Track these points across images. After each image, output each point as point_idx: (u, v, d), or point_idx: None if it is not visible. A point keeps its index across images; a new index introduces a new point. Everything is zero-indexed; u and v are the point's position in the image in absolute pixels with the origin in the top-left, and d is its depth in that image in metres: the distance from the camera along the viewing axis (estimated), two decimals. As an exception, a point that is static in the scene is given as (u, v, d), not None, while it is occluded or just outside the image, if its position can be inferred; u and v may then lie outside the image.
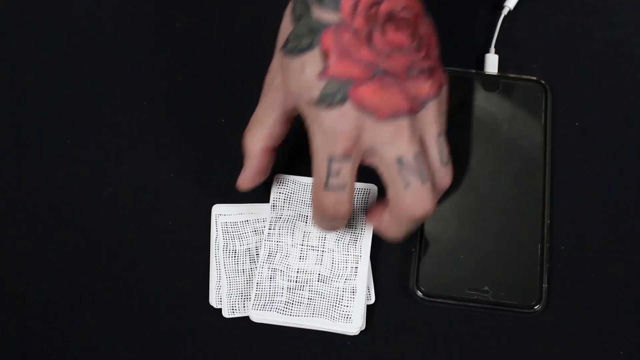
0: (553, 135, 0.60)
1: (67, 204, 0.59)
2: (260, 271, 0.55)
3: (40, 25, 0.64)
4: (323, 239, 0.56)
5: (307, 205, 0.56)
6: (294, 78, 0.50)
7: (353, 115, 0.48)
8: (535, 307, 0.56)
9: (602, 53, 0.63)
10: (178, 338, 0.56)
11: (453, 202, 0.57)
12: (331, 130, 0.49)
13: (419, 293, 0.55)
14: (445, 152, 0.51)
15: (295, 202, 0.57)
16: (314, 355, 0.55)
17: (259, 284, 0.55)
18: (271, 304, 0.54)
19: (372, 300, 0.56)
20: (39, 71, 0.63)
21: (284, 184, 0.57)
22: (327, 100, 0.48)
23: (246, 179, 0.55)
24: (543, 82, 0.61)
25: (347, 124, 0.49)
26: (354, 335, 0.55)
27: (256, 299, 0.55)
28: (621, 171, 0.60)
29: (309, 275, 0.55)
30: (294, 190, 0.57)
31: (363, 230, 0.56)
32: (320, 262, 0.55)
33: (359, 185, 0.57)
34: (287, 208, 0.56)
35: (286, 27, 0.51)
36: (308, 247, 0.56)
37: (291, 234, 0.56)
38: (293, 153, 0.59)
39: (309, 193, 0.57)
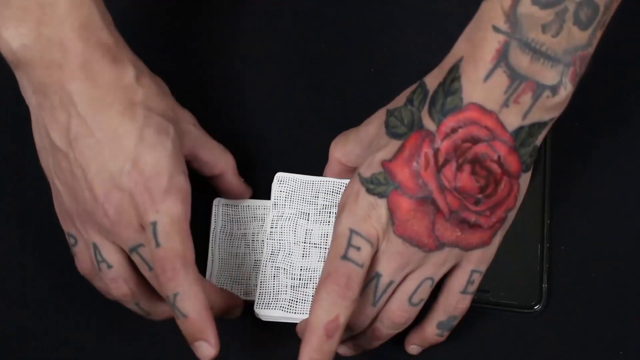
0: (553, 135, 0.60)
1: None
2: (264, 270, 0.55)
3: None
4: (325, 236, 0.56)
5: (309, 203, 0.57)
6: (371, 145, 0.51)
7: (381, 213, 0.49)
8: (535, 307, 0.56)
9: (602, 53, 0.63)
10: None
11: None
12: (359, 212, 0.49)
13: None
14: (419, 296, 0.51)
15: (297, 200, 0.57)
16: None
17: (262, 283, 0.55)
18: (275, 302, 0.54)
19: None
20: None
21: (285, 183, 0.57)
22: (370, 185, 0.49)
23: (326, 170, 0.57)
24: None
25: (374, 219, 0.49)
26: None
27: (260, 297, 0.55)
28: (621, 171, 0.60)
29: (313, 272, 0.55)
30: (295, 188, 0.57)
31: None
32: (323, 260, 0.55)
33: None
34: (288, 206, 0.56)
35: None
36: (311, 245, 0.56)
37: (293, 232, 0.56)
38: (294, 152, 0.59)
39: (310, 191, 0.57)
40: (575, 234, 0.58)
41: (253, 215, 0.58)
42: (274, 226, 0.56)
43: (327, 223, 0.56)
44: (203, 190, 0.55)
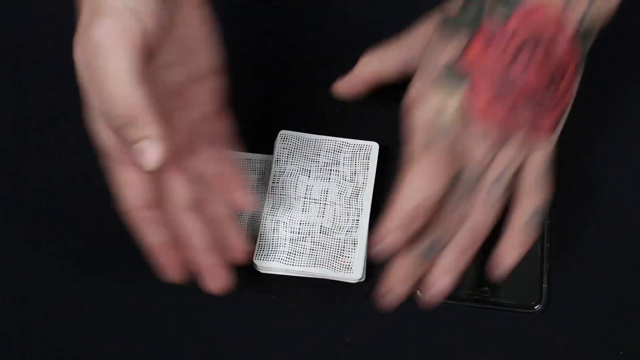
0: (553, 135, 0.60)
1: (66, 204, 0.59)
2: (264, 223, 0.57)
3: (40, 25, 0.64)
4: (325, 192, 0.58)
5: (310, 160, 0.59)
6: (433, 49, 0.53)
7: (453, 108, 0.52)
8: (535, 307, 0.56)
9: (601, 53, 0.63)
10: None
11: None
12: (432, 107, 0.52)
13: (419, 293, 0.55)
14: (493, 194, 0.53)
15: (299, 157, 0.59)
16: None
17: (262, 235, 0.56)
18: (274, 254, 0.56)
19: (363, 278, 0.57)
20: (39, 71, 0.63)
21: (287, 140, 0.59)
22: (441, 82, 0.52)
23: (342, 83, 0.59)
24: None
25: (447, 115, 0.52)
26: (354, 335, 0.55)
27: (259, 249, 0.56)
28: (621, 171, 0.60)
29: (311, 227, 0.57)
30: (297, 146, 0.59)
31: (365, 184, 0.58)
32: (322, 215, 0.57)
33: (360, 142, 0.59)
34: (290, 162, 0.58)
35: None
36: (310, 200, 0.57)
37: (294, 187, 0.58)
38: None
39: (312, 149, 0.59)
40: (575, 234, 0.58)
41: (252, 168, 0.59)
42: (276, 181, 0.58)
43: (327, 180, 0.58)
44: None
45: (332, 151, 0.59)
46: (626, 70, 0.63)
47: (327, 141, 0.59)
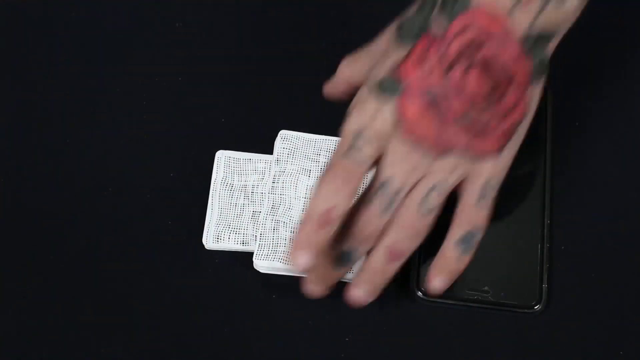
0: (553, 135, 0.60)
1: (66, 204, 0.59)
2: (264, 223, 0.57)
3: (40, 25, 0.64)
4: None
5: (310, 159, 0.58)
6: (383, 55, 0.51)
7: (387, 115, 0.50)
8: (535, 307, 0.56)
9: (602, 53, 0.63)
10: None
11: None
12: (366, 114, 0.50)
13: (419, 293, 0.55)
14: (430, 203, 0.51)
15: (299, 157, 0.58)
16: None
17: (262, 235, 0.56)
18: (274, 254, 0.56)
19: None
20: (39, 71, 0.63)
21: (288, 140, 0.59)
22: (379, 89, 0.50)
23: (327, 86, 0.57)
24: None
25: (380, 121, 0.50)
26: (354, 335, 0.55)
27: (259, 249, 0.56)
28: (621, 171, 0.60)
29: None
30: (297, 145, 0.59)
31: (364, 184, 0.57)
32: None
33: None
34: (290, 162, 0.58)
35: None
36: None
37: (294, 187, 0.58)
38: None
39: (313, 148, 0.59)
40: (575, 234, 0.58)
41: (254, 168, 0.59)
42: (276, 181, 0.58)
43: None
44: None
45: (333, 151, 0.58)
46: (627, 70, 0.63)
47: (327, 141, 0.59)
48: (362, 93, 0.51)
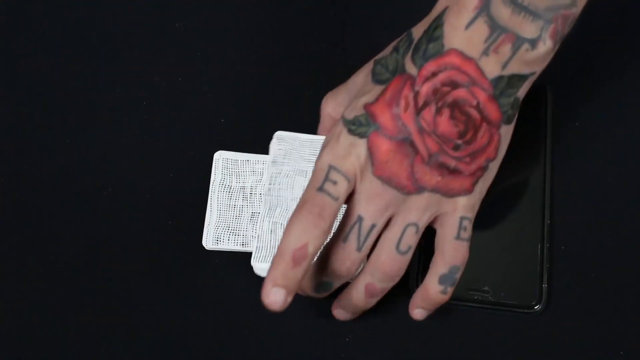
0: (553, 135, 0.60)
1: (66, 204, 0.59)
2: (262, 225, 0.56)
3: (40, 25, 0.64)
4: None
5: (306, 161, 0.58)
6: (359, 92, 0.52)
7: (360, 152, 0.50)
8: (535, 307, 0.56)
9: (602, 53, 0.63)
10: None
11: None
12: (340, 150, 0.50)
13: (419, 293, 0.55)
14: (405, 243, 0.51)
15: (295, 158, 0.58)
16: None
17: (260, 237, 0.56)
18: (272, 255, 0.55)
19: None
20: (39, 71, 0.63)
21: (284, 141, 0.58)
22: (352, 126, 0.50)
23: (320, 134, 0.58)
24: (543, 82, 0.61)
25: (353, 157, 0.50)
26: (354, 335, 0.55)
27: (257, 251, 0.56)
28: (621, 171, 0.60)
29: None
30: (293, 146, 0.58)
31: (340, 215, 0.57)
32: None
33: None
34: (287, 164, 0.58)
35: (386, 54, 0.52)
36: None
37: (291, 188, 0.57)
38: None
39: (309, 149, 0.58)
40: (575, 234, 0.58)
41: (252, 170, 0.59)
42: (272, 182, 0.57)
43: None
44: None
45: None
46: (626, 70, 0.63)
47: (322, 142, 0.58)
48: (337, 128, 0.51)
